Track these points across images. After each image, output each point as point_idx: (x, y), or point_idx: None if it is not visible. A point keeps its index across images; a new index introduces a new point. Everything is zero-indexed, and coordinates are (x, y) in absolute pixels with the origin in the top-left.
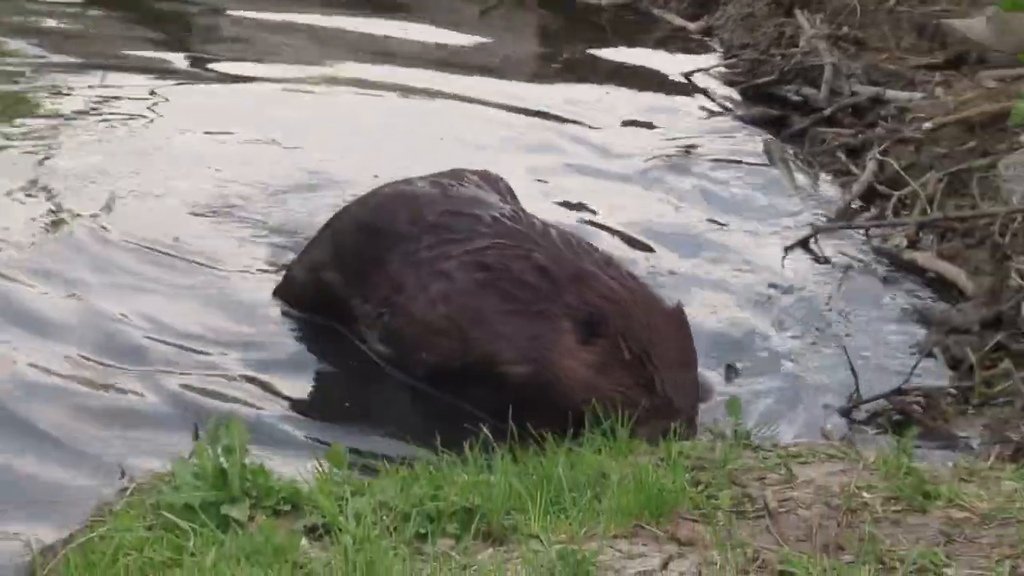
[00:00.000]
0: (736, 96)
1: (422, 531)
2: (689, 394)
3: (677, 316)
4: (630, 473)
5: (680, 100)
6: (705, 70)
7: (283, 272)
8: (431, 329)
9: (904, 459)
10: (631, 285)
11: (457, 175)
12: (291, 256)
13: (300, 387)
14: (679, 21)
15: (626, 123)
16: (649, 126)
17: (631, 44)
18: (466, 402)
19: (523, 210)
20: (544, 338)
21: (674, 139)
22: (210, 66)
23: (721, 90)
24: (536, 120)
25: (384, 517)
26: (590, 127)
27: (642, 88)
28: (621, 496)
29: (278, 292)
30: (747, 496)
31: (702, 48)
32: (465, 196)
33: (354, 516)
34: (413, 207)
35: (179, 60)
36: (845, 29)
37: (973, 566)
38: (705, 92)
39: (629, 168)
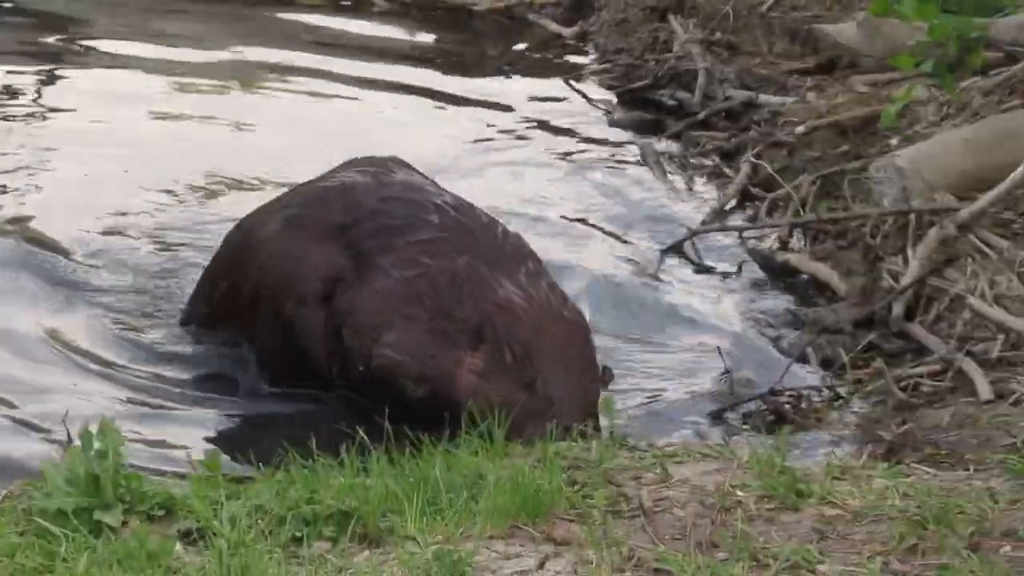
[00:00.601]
0: (612, 100)
1: (298, 534)
2: (575, 398)
3: (575, 324)
4: (507, 474)
5: (556, 104)
6: (580, 75)
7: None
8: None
9: (777, 458)
10: (533, 293)
11: (375, 162)
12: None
13: (178, 396)
14: (554, 27)
15: (501, 129)
16: (526, 129)
17: (507, 48)
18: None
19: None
20: (441, 357)
21: (550, 143)
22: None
23: (597, 94)
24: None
25: (259, 521)
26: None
27: (518, 91)
28: (498, 497)
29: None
30: (623, 495)
31: (578, 53)
32: (402, 182)
33: (229, 520)
34: (349, 198)
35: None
36: (718, 34)
37: (845, 562)
38: (582, 96)
39: (506, 171)
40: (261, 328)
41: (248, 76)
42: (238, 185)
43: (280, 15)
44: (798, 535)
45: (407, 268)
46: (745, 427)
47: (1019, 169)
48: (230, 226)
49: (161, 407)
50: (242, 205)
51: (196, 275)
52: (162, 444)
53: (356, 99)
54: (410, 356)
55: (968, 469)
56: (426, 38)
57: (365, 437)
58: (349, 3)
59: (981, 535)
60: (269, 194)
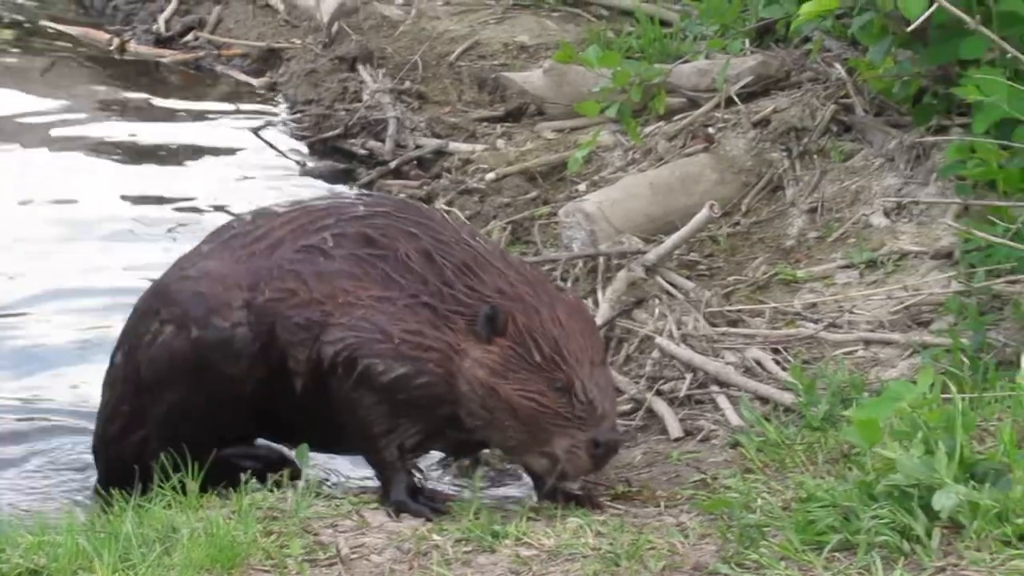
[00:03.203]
0: (304, 150)
1: None
2: (609, 395)
3: (580, 308)
4: (201, 526)
5: (247, 156)
6: (271, 125)
7: None
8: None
9: (475, 500)
10: (530, 276)
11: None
12: None
13: None
14: (243, 77)
15: (188, 182)
16: (215, 181)
17: (197, 99)
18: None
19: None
20: (429, 336)
21: (240, 194)
22: None
23: (288, 145)
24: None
25: None
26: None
27: (209, 143)
28: (192, 549)
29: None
30: (320, 544)
31: (268, 104)
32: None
33: None
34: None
35: None
36: (408, 84)
37: None
38: (272, 147)
39: (192, 225)
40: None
41: None
42: None
43: None
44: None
45: (355, 247)
46: (440, 471)
47: (702, 211)
48: None
49: None
50: None
51: None
52: None
53: (35, 150)
54: (381, 334)
55: (659, 505)
56: (112, 90)
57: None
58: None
59: (672, 569)
60: None
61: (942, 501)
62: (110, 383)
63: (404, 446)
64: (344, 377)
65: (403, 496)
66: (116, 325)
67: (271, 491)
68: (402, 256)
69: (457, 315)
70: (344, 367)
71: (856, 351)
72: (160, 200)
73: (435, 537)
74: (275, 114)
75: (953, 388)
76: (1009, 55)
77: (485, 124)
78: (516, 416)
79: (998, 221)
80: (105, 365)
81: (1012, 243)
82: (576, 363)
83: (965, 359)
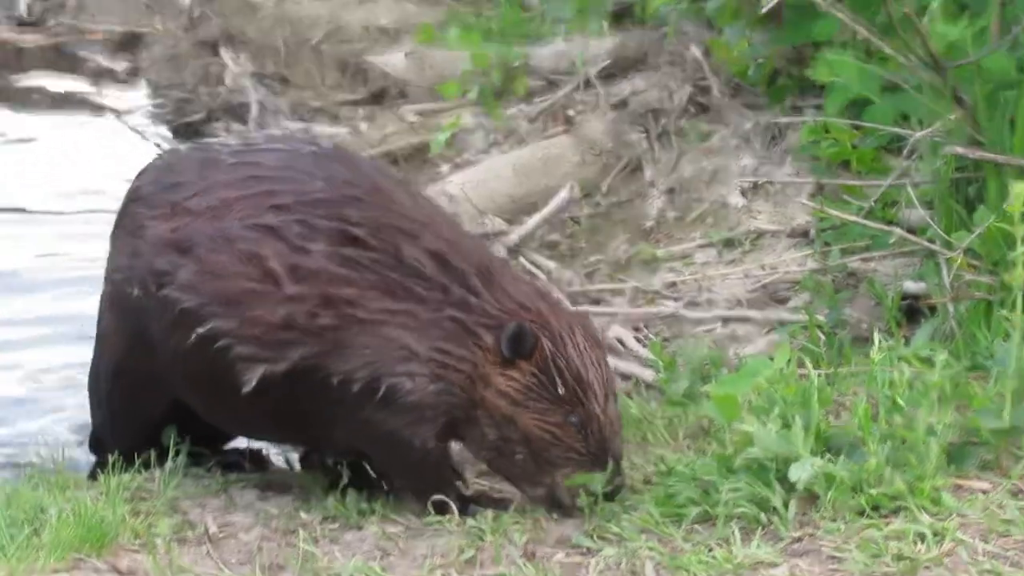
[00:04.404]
0: (168, 134)
1: None
2: (619, 433)
3: (593, 331)
4: (69, 507)
5: (110, 140)
6: (134, 110)
7: None
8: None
9: (342, 480)
10: (539, 288)
11: None
12: None
13: None
14: (105, 62)
15: (48, 162)
16: (78, 164)
17: (58, 83)
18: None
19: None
20: (456, 355)
21: (100, 182)
22: None
23: (152, 128)
24: None
25: None
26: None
27: (69, 127)
28: (61, 530)
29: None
30: (188, 523)
31: (131, 88)
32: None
33: None
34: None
35: None
36: (270, 67)
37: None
38: (136, 131)
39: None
40: None
41: None
42: None
43: None
44: (362, 552)
45: (335, 244)
46: None
47: (562, 192)
48: None
49: None
50: None
51: None
52: None
53: None
54: (406, 351)
55: None
56: None
57: None
58: None
59: (536, 544)
60: None
61: (798, 473)
62: None
63: (439, 462)
64: (362, 398)
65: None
66: None
67: (139, 472)
68: (408, 259)
69: (484, 329)
70: (363, 387)
71: (715, 328)
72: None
73: (302, 515)
74: (137, 98)
75: (809, 364)
76: (860, 36)
77: (348, 107)
78: (528, 446)
79: (852, 200)
80: None
81: (866, 221)
82: (595, 397)
83: (821, 335)
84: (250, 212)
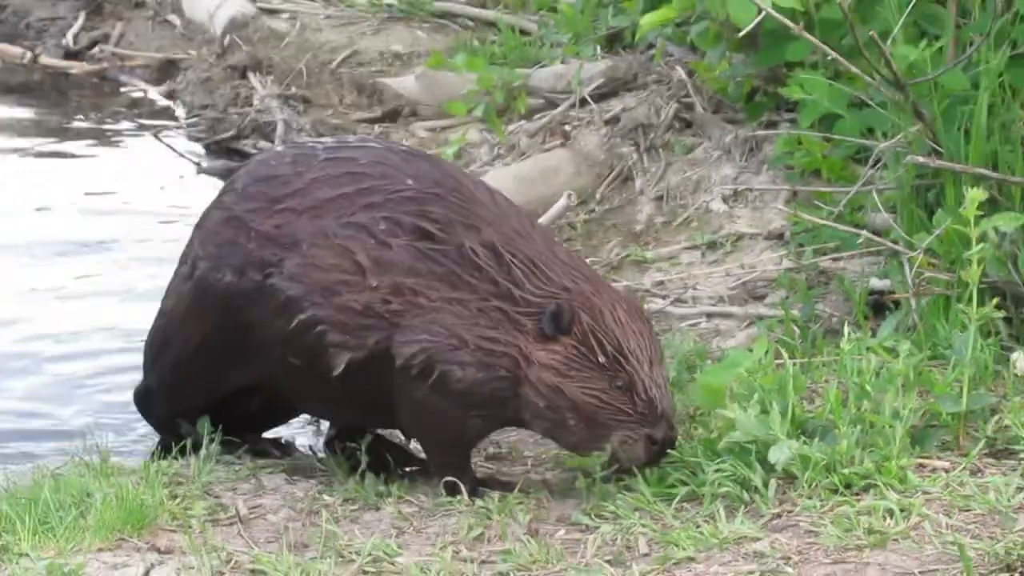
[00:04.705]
0: (201, 151)
1: None
2: (667, 393)
3: (638, 307)
4: (112, 492)
5: (148, 157)
6: (171, 129)
7: None
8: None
9: (362, 465)
10: (588, 272)
11: None
12: None
13: None
14: (144, 86)
15: (92, 176)
16: (118, 178)
17: (102, 106)
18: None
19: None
20: (502, 341)
21: (142, 193)
22: None
23: (186, 146)
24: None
25: None
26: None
27: (112, 145)
28: (105, 513)
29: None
30: (220, 505)
31: (167, 109)
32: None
33: None
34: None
35: None
36: (294, 89)
37: (421, 553)
38: (172, 148)
39: (105, 224)
40: None
41: None
42: None
43: None
44: (379, 531)
45: (413, 238)
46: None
47: (561, 200)
48: None
49: None
50: None
51: None
52: None
53: None
54: (456, 339)
55: (527, 464)
56: (24, 98)
57: None
58: None
59: (538, 521)
60: None
61: (777, 455)
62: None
63: (470, 444)
64: (419, 380)
65: (470, 483)
66: None
67: (175, 459)
68: (467, 252)
69: (527, 317)
70: (420, 371)
71: (700, 323)
72: (67, 194)
73: (325, 497)
74: (174, 119)
75: (785, 355)
76: (829, 57)
77: (365, 124)
78: (578, 413)
79: (823, 205)
80: None
81: (835, 224)
82: (637, 363)
83: (796, 329)
84: (345, 210)
